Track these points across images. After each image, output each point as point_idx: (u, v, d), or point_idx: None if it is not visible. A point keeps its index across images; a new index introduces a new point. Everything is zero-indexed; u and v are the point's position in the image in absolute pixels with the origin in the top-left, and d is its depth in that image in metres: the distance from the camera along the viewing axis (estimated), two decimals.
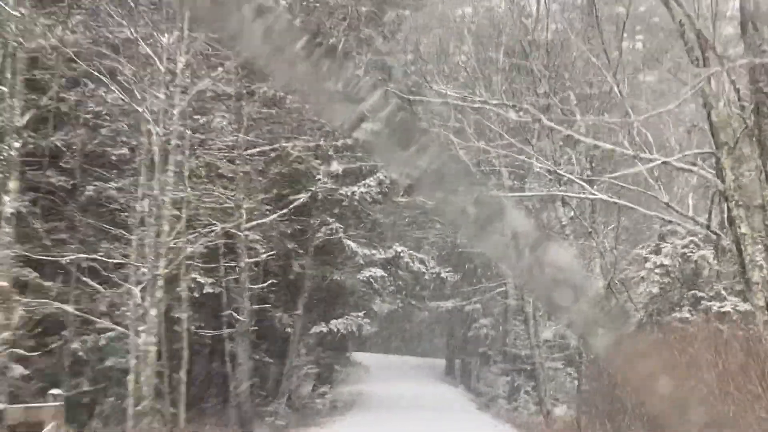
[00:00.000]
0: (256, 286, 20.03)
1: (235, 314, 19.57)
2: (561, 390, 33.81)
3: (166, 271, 15.29)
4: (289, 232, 23.41)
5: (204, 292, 20.09)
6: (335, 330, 25.15)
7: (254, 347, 23.01)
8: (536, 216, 30.98)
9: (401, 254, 26.75)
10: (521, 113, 14.62)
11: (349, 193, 24.87)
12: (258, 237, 20.54)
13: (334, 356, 30.90)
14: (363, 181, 25.00)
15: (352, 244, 24.99)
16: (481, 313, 39.92)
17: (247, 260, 19.47)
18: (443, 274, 32.19)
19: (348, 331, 25.34)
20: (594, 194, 13.80)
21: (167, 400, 17.28)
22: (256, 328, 22.15)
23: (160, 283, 14.94)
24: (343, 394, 32.15)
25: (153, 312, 14.73)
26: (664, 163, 12.99)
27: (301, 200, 21.08)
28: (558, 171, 14.55)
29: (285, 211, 20.66)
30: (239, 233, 19.02)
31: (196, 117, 18.09)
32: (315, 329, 25.29)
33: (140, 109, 15.18)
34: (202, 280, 20.01)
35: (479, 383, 39.24)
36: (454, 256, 36.40)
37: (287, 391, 23.11)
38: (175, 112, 15.12)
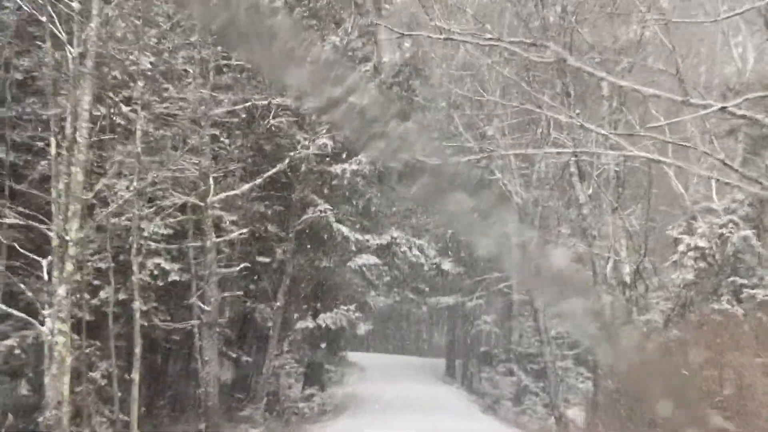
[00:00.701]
0: (224, 270, 17.14)
1: (200, 303, 16.65)
2: (571, 391, 31.94)
3: (81, 235, 12.43)
4: (269, 213, 20.66)
5: (170, 280, 17.32)
6: (323, 325, 22.36)
7: (230, 344, 20.28)
8: (543, 206, 28.57)
9: (397, 240, 23.90)
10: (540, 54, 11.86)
11: (339, 171, 22.12)
12: (230, 216, 17.75)
13: (324, 355, 28.18)
14: (355, 158, 22.22)
15: (343, 228, 22.20)
16: (483, 309, 37.69)
17: (214, 239, 16.59)
18: (444, 266, 29.47)
19: (338, 326, 22.56)
20: (630, 151, 11.07)
21: (117, 406, 14.54)
22: (232, 321, 19.42)
23: (72, 251, 12.06)
24: (336, 396, 29.99)
25: (62, 290, 11.85)
26: (722, 109, 10.25)
27: (279, 169, 18.11)
28: (586, 125, 11.82)
29: (258, 181, 17.75)
30: (203, 204, 16.08)
31: (147, 60, 15.22)
32: (301, 324, 22.49)
33: (43, 18, 12.32)
34: (167, 266, 17.25)
35: (482, 384, 36.90)
36: (455, 246, 33.74)
37: (266, 393, 20.23)
38: (92, 24, 12.21)
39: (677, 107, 16.11)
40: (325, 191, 22.57)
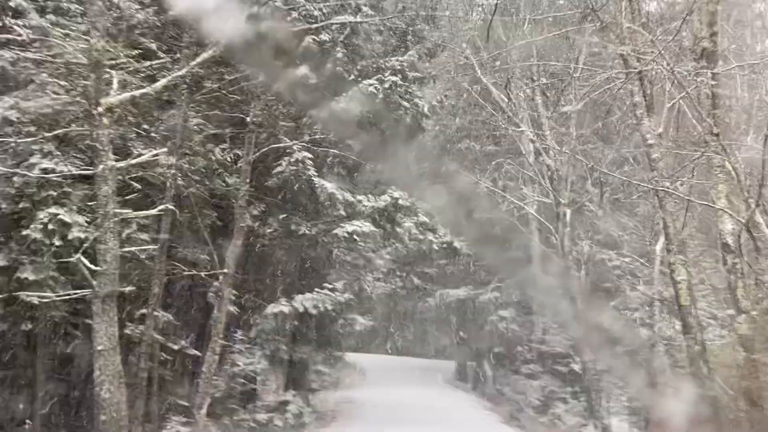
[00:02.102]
0: (127, 211, 11.64)
1: (86, 262, 11.07)
2: (606, 398, 27.44)
3: None
4: (228, 160, 15.51)
5: (72, 237, 12.12)
6: (302, 310, 17.15)
7: (171, 330, 15.07)
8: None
9: (399, 202, 18.64)
10: None
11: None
12: (169, 158, 12.51)
13: (312, 353, 22.95)
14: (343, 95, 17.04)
15: (327, 185, 17.00)
16: (499, 302, 33.29)
17: (111, 163, 11.08)
18: (456, 244, 24.26)
19: (321, 311, 17.35)
20: None
21: None
22: (174, 299, 14.19)
23: None
24: (327, 402, 25.92)
25: None
26: None
27: (215, 52, 12.43)
28: None
29: (181, 72, 12.19)
30: (91, 106, 10.60)
31: None
32: (273, 309, 17.26)
33: None
34: (68, 217, 12.05)
35: (501, 389, 32.25)
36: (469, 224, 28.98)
37: (207, 399, 14.71)
38: None
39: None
40: (306, 139, 17.42)
